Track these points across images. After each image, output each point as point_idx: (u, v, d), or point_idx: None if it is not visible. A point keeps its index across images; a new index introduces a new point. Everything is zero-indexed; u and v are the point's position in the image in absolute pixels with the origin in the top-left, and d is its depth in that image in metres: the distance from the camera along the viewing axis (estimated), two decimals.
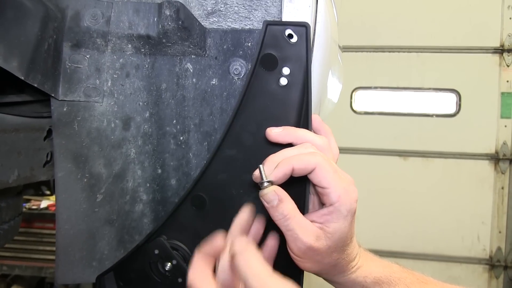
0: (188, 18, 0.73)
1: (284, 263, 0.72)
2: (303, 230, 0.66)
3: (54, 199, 3.43)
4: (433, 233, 3.86)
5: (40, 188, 3.74)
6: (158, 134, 0.80)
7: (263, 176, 0.65)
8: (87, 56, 0.80)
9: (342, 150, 3.92)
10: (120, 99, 0.80)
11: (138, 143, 0.80)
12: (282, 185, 0.68)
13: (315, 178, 0.64)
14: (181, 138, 0.80)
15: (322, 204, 0.69)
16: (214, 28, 0.79)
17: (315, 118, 0.75)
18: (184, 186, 0.81)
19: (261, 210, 0.73)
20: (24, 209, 3.38)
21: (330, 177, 0.64)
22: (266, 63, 0.72)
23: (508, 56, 3.80)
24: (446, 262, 3.85)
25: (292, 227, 0.66)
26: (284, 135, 0.69)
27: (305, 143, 0.68)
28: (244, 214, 0.70)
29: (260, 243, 0.74)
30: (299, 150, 0.66)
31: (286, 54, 0.71)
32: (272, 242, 0.73)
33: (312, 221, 0.68)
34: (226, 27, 0.79)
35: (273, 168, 0.65)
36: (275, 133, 0.69)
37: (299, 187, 0.71)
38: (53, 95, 0.78)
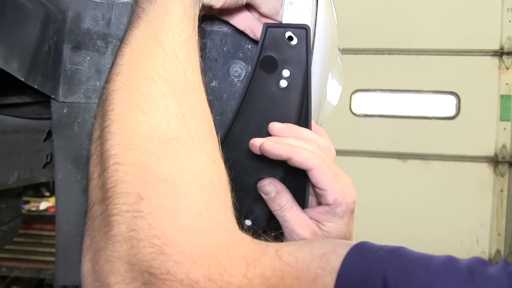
0: None
1: None
2: (299, 223, 0.68)
3: (54, 200, 3.43)
4: (432, 235, 3.86)
5: (40, 189, 3.73)
6: None
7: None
8: (88, 58, 0.80)
9: (341, 153, 3.93)
10: None
11: None
12: (283, 179, 0.71)
13: (313, 178, 0.65)
14: None
15: (319, 203, 0.69)
16: (214, 30, 0.79)
17: None
18: None
19: (260, 212, 0.73)
20: (23, 211, 3.38)
21: (328, 179, 0.65)
22: (266, 65, 0.72)
23: (508, 58, 3.80)
24: None
25: (288, 219, 0.68)
26: (286, 131, 0.69)
27: (311, 141, 0.68)
28: None
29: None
30: (304, 144, 0.66)
31: (286, 56, 0.71)
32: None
33: (309, 217, 0.69)
34: (227, 29, 0.80)
35: (275, 142, 0.65)
36: (277, 128, 0.69)
37: (300, 182, 0.71)
38: (53, 96, 0.78)
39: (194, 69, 0.60)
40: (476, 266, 0.42)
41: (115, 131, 0.52)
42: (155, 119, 0.53)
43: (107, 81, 0.58)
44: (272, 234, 0.73)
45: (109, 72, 0.59)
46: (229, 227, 0.49)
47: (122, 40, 0.61)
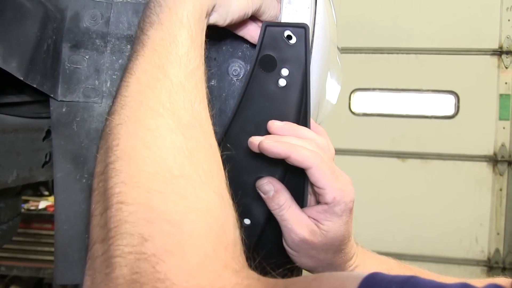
0: None
1: (282, 259, 0.73)
2: (298, 222, 0.68)
3: (53, 200, 3.43)
4: (431, 234, 3.86)
5: (39, 188, 3.72)
6: None
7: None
8: (86, 57, 0.80)
9: (341, 152, 3.93)
10: None
11: None
12: (282, 178, 0.71)
13: (312, 177, 0.65)
14: None
15: (318, 202, 0.69)
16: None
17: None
18: None
19: (259, 213, 0.73)
20: (22, 210, 3.38)
21: (327, 178, 0.65)
22: (265, 64, 0.72)
23: (507, 58, 3.80)
24: (444, 263, 3.85)
25: (287, 218, 0.68)
26: (285, 129, 0.69)
27: (309, 140, 0.68)
28: None
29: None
30: (303, 143, 0.66)
31: (285, 55, 0.71)
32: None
33: (308, 216, 0.69)
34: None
35: (274, 140, 0.65)
36: (276, 126, 0.69)
37: (299, 181, 0.71)
38: (52, 95, 0.78)
39: (201, 102, 0.58)
40: None
41: (120, 168, 0.50)
42: (161, 155, 0.51)
43: (111, 113, 0.56)
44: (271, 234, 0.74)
45: (113, 103, 0.58)
46: (236, 267, 0.47)
47: (126, 68, 0.60)
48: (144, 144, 0.51)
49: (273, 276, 0.49)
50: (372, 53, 4.01)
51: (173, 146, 0.52)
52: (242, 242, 0.52)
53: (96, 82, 0.80)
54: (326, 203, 0.66)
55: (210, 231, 0.48)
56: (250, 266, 0.50)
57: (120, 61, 0.80)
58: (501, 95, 3.82)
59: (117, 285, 0.43)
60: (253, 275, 0.47)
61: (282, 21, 0.73)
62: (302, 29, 0.71)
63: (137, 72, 0.57)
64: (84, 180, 0.81)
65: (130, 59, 0.61)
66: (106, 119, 0.56)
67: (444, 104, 3.92)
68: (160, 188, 0.49)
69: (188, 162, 0.52)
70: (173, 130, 0.53)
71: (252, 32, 0.76)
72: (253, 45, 0.78)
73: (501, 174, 3.84)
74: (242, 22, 0.76)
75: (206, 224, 0.48)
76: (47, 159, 1.01)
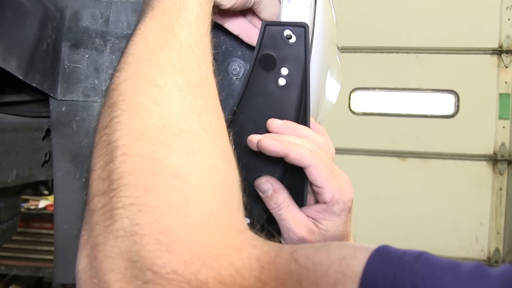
0: None
1: None
2: (296, 221, 0.68)
3: (52, 199, 3.43)
4: (431, 234, 3.87)
5: (39, 188, 3.73)
6: None
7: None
8: (86, 56, 0.80)
9: (340, 151, 3.93)
10: None
11: None
12: (282, 177, 0.71)
13: (310, 176, 0.65)
14: None
15: (317, 202, 0.69)
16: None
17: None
18: None
19: (258, 210, 0.73)
20: (22, 209, 3.38)
21: (325, 177, 0.64)
22: (265, 63, 0.72)
23: (507, 57, 3.80)
24: None
25: (285, 217, 0.68)
26: (285, 128, 0.68)
27: (309, 138, 0.68)
28: None
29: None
30: (302, 142, 0.66)
31: (285, 54, 0.71)
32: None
33: (307, 216, 0.69)
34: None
35: (272, 139, 0.65)
36: (276, 124, 0.68)
37: (298, 180, 0.71)
38: (51, 94, 0.78)
39: (208, 66, 0.59)
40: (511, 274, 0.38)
41: (125, 121, 0.49)
42: (169, 110, 0.50)
43: (116, 70, 0.55)
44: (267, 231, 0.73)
45: (118, 61, 0.57)
46: (241, 228, 0.46)
47: (134, 29, 0.59)
48: (152, 99, 0.50)
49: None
50: (372, 52, 4.01)
51: (181, 103, 0.51)
52: (244, 207, 0.51)
53: (96, 81, 0.80)
54: (324, 202, 0.66)
55: (216, 189, 0.47)
56: None
57: None
58: (501, 94, 3.82)
59: (117, 237, 0.42)
60: (258, 237, 0.46)
61: (281, 20, 0.73)
62: (301, 28, 0.71)
63: (145, 32, 0.57)
64: (83, 179, 0.81)
65: (138, 21, 0.60)
66: (112, 76, 0.55)
67: (444, 103, 3.92)
68: (167, 141, 0.47)
69: (197, 119, 0.51)
70: (182, 88, 0.52)
71: (247, 31, 0.76)
72: (249, 45, 0.79)
73: (501, 173, 3.84)
74: (238, 21, 0.76)
75: (211, 182, 0.47)
76: (47, 158, 1.01)
